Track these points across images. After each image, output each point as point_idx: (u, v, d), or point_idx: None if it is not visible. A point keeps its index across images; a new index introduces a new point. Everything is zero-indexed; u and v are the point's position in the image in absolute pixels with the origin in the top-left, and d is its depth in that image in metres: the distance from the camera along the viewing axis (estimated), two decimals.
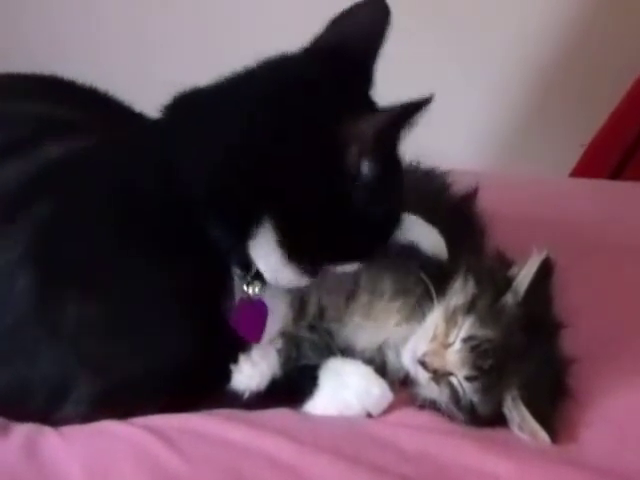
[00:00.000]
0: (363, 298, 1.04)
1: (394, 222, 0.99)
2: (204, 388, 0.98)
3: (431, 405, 1.01)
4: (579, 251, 1.30)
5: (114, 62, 2.22)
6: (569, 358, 1.02)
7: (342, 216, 0.93)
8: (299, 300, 1.02)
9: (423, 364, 0.99)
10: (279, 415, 0.99)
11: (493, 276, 1.03)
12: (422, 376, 1.00)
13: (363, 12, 1.01)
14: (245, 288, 0.96)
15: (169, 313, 0.94)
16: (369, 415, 1.00)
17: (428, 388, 1.01)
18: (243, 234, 0.92)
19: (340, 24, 1.01)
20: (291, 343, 1.03)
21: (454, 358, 0.98)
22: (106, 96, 1.27)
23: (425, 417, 1.00)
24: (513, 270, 1.02)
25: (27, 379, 0.95)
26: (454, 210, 1.22)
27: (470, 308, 0.99)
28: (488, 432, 0.98)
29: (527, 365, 0.98)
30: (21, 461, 0.90)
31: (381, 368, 1.03)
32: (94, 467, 0.90)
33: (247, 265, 0.95)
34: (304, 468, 0.90)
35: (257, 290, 0.96)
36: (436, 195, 1.22)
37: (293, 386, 1.01)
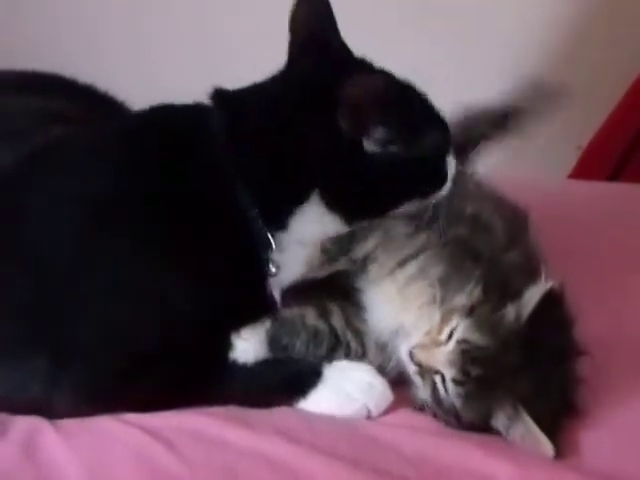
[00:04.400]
0: (411, 269, 1.06)
1: (423, 180, 1.06)
2: (208, 358, 1.02)
3: (425, 407, 1.01)
4: (577, 253, 1.30)
5: (116, 62, 2.23)
6: (579, 378, 1.01)
7: (370, 173, 1.01)
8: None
9: (410, 355, 1.01)
10: (278, 416, 0.99)
11: (504, 287, 1.03)
12: (410, 369, 1.01)
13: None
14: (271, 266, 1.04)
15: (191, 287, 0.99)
16: (369, 416, 1.00)
17: (416, 384, 1.01)
18: (291, 207, 1.02)
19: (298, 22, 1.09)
20: (283, 328, 1.05)
21: (445, 358, 0.98)
22: (106, 95, 1.31)
23: (424, 419, 1.00)
24: (523, 289, 1.01)
25: (20, 368, 0.96)
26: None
27: (470, 312, 0.99)
28: (488, 435, 0.98)
29: (525, 385, 0.96)
30: (19, 461, 0.90)
31: (388, 360, 1.05)
32: (93, 468, 0.90)
33: (270, 244, 1.03)
34: (302, 470, 0.90)
35: (274, 270, 1.04)
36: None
37: (297, 377, 1.03)
